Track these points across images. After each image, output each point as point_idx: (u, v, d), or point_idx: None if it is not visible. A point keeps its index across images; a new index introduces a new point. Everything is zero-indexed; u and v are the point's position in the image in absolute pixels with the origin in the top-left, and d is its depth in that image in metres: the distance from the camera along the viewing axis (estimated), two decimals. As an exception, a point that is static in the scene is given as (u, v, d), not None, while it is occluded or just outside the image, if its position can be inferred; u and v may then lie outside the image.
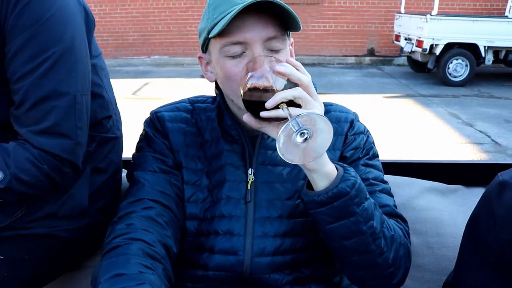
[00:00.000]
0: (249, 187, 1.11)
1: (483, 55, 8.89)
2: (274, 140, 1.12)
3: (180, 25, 11.56)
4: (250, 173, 1.12)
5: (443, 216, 1.39)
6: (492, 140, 5.72)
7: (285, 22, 1.02)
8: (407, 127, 6.16)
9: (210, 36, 1.01)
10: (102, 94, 1.24)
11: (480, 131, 6.06)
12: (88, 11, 1.18)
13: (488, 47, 8.87)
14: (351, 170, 0.99)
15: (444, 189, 1.47)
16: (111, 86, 1.32)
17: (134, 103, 7.18)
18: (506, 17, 9.93)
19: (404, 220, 1.15)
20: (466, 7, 11.20)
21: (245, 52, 1.01)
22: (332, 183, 0.95)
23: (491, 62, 9.09)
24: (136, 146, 1.20)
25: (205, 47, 1.09)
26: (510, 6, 10.12)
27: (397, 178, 1.43)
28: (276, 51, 1.02)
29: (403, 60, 10.72)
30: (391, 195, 1.18)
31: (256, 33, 0.99)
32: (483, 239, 0.95)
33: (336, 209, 0.95)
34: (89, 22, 1.17)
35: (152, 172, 1.11)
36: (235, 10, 0.94)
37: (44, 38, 1.03)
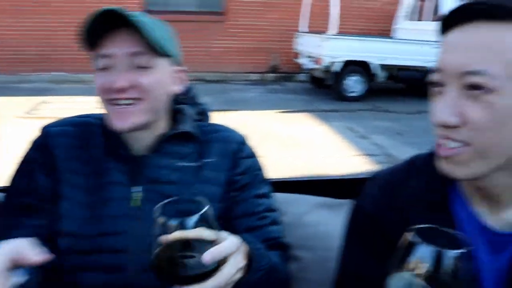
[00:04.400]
0: (135, 205, 1.11)
1: (376, 72, 9.50)
2: (162, 158, 1.15)
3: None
4: (136, 190, 1.11)
5: (331, 230, 1.44)
6: (386, 152, 6.09)
7: (155, 42, 1.06)
8: (307, 141, 6.39)
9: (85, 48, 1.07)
10: None
11: (375, 144, 6.43)
12: None
13: (380, 65, 9.50)
14: (262, 259, 1.00)
15: (333, 204, 1.53)
16: None
17: (28, 122, 6.76)
18: (394, 38, 10.76)
19: (287, 248, 1.23)
20: (360, 28, 11.91)
21: (111, 65, 1.06)
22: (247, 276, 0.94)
23: (383, 78, 9.73)
24: (13, 178, 1.17)
25: None
26: (396, 28, 11.01)
27: (287, 196, 1.47)
28: (142, 68, 1.06)
29: (304, 76, 11.15)
30: (279, 223, 1.24)
31: (121, 47, 1.05)
32: (359, 225, 1.07)
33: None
34: None
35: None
36: (92, 19, 1.03)
37: None
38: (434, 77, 0.86)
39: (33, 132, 1.21)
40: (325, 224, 1.46)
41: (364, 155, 5.91)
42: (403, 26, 10.85)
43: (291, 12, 11.47)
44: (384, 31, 11.65)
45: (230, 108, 7.94)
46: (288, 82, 11.55)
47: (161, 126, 1.19)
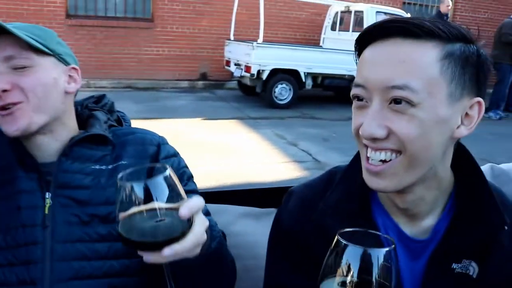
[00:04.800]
0: (46, 212, 1.08)
1: (303, 80, 9.74)
2: (73, 162, 1.14)
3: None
4: (47, 197, 1.09)
5: (258, 239, 1.47)
6: (313, 158, 6.25)
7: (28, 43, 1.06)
8: (236, 149, 6.43)
9: None
10: None
11: (303, 150, 6.58)
12: None
13: (308, 73, 9.75)
14: (214, 227, 1.03)
15: (258, 213, 1.56)
16: None
17: None
18: (321, 47, 11.10)
19: (224, 234, 1.26)
20: (288, 37, 12.19)
21: None
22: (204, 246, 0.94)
23: (311, 86, 9.99)
24: None
25: None
26: (323, 38, 11.38)
27: (211, 206, 1.48)
28: (21, 69, 1.07)
29: (234, 84, 11.21)
30: (210, 214, 1.25)
31: None
32: (279, 238, 1.11)
33: (207, 268, 0.99)
34: None
35: None
36: None
37: None
38: (356, 91, 0.89)
39: None
40: (251, 233, 1.49)
41: (292, 161, 6.03)
42: (329, 36, 11.25)
43: (222, 20, 11.52)
44: (313, 40, 12.00)
45: (160, 116, 7.84)
46: (218, 90, 11.57)
47: (69, 130, 1.18)
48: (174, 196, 0.77)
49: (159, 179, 0.76)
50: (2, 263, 1.04)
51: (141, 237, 0.77)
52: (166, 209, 0.77)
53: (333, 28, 11.22)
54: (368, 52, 0.89)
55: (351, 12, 10.61)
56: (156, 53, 11.53)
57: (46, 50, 1.10)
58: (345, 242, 0.69)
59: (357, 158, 1.00)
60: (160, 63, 11.52)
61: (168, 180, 0.77)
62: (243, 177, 5.19)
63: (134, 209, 0.76)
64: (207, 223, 0.87)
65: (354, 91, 0.90)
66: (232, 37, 10.63)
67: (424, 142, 0.84)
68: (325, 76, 9.97)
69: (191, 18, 11.70)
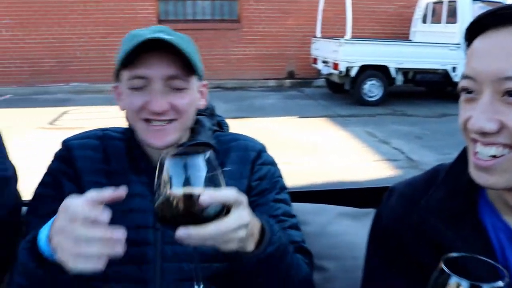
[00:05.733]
0: None
1: (394, 76, 9.44)
2: None
3: (99, 51, 11.29)
4: None
5: (357, 240, 1.44)
6: (406, 156, 6.04)
7: (192, 64, 1.08)
8: (327, 147, 6.37)
9: (117, 67, 1.08)
10: None
11: (395, 148, 6.39)
12: None
13: (398, 68, 9.44)
14: (274, 233, 1.00)
15: (356, 213, 1.53)
16: None
17: (51, 133, 6.87)
18: (411, 41, 10.69)
19: (309, 253, 1.23)
20: (376, 32, 11.87)
21: (146, 86, 1.08)
22: (260, 248, 0.95)
23: (401, 82, 9.67)
24: (40, 183, 1.19)
25: (118, 76, 1.15)
26: (414, 31, 10.95)
27: (310, 206, 1.48)
28: (178, 90, 1.09)
29: (321, 82, 11.13)
30: (299, 229, 1.25)
31: (157, 70, 1.06)
32: (378, 236, 1.07)
33: (264, 273, 0.97)
34: None
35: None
36: (133, 45, 1.02)
37: None
38: (465, 83, 0.84)
39: (58, 142, 1.24)
40: (349, 233, 1.46)
41: (385, 160, 5.87)
42: (420, 28, 10.79)
43: (307, 18, 11.48)
44: (401, 34, 11.59)
45: (250, 115, 7.99)
46: (305, 88, 11.54)
47: (184, 137, 1.22)
48: (211, 179, 0.79)
49: (200, 158, 0.78)
50: (115, 261, 1.09)
51: (171, 211, 0.79)
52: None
53: (424, 20, 10.76)
54: (478, 42, 0.84)
55: (443, 2, 10.10)
56: (243, 53, 11.74)
57: (199, 70, 1.13)
58: (448, 272, 0.62)
59: (462, 155, 0.94)
60: (247, 62, 11.72)
61: (208, 159, 0.79)
62: (334, 176, 5.13)
63: (171, 186, 0.79)
64: (245, 220, 0.85)
65: (462, 83, 0.85)
66: (318, 35, 10.55)
67: None
68: (417, 71, 9.60)
69: (276, 17, 11.78)
